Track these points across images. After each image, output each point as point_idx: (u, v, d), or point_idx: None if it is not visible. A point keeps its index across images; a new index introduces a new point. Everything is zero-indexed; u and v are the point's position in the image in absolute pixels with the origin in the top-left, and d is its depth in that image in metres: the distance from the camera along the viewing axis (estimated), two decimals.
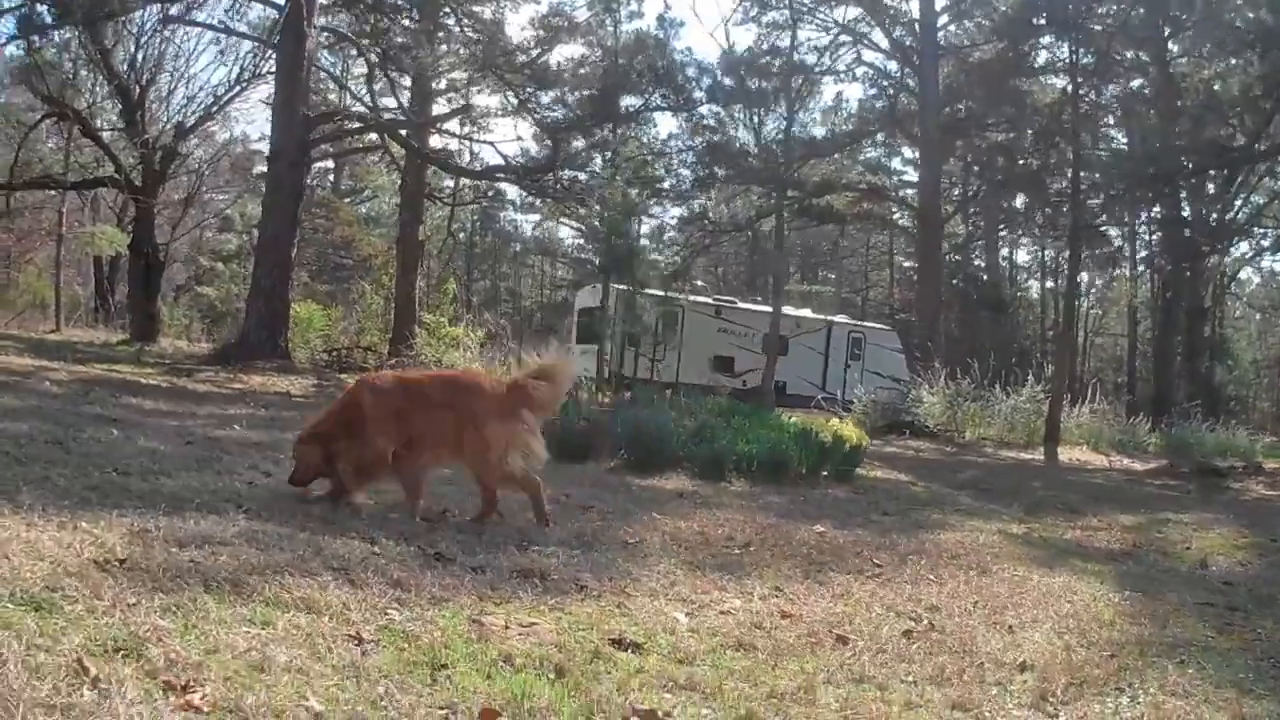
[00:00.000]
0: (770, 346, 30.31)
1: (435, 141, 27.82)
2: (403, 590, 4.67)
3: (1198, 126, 25.22)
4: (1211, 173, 28.70)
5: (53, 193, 29.79)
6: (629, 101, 28.61)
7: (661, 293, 33.75)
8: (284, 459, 7.71)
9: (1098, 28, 26.47)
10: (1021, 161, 31.30)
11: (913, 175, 37.16)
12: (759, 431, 12.96)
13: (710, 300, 34.50)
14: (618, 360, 30.57)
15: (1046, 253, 52.08)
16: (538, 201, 27.27)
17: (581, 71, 28.09)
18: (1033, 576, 7.45)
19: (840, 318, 37.66)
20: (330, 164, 41.20)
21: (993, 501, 12.74)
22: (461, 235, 45.82)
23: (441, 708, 3.40)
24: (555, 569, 5.59)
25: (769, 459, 11.94)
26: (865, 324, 37.10)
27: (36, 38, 24.47)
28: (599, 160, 27.23)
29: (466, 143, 28.76)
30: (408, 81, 28.29)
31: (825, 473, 12.49)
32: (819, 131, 34.10)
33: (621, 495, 9.31)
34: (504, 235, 53.07)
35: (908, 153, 38.56)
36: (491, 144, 65.18)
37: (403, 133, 26.29)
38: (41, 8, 23.43)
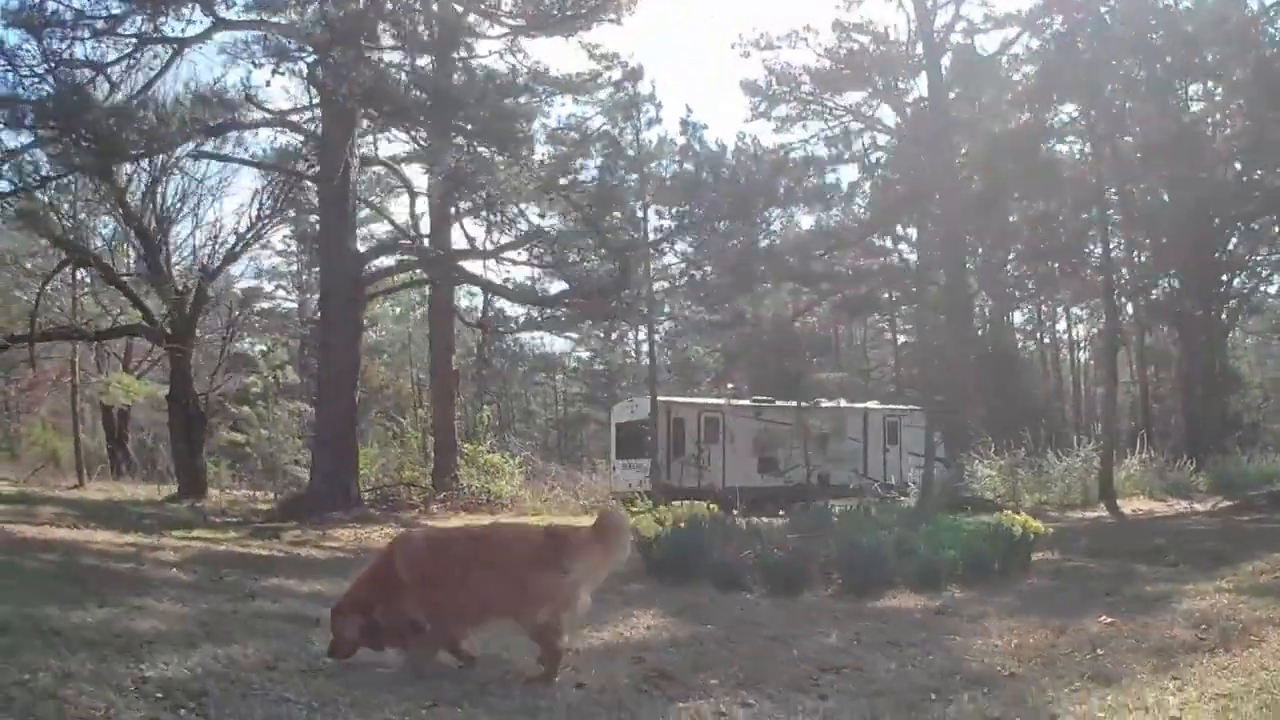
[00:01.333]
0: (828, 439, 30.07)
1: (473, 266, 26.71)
2: None
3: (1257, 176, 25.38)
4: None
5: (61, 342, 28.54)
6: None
7: (702, 400, 33.33)
8: None
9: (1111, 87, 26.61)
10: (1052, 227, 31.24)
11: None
12: (939, 534, 12.31)
13: (749, 402, 33.88)
14: (665, 471, 29.94)
15: (1042, 308, 52.09)
16: (539, 317, 26.37)
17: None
18: None
19: (873, 404, 37.34)
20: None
21: (1151, 563, 12.59)
22: (469, 360, 44.88)
23: None
24: None
25: (972, 560, 11.44)
26: (898, 407, 36.70)
27: (38, 191, 22.62)
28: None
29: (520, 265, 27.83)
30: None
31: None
32: (838, 221, 33.71)
33: (909, 625, 8.95)
34: (510, 355, 52.14)
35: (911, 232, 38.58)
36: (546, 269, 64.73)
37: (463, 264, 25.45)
38: (38, 154, 20.64)
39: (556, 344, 53.58)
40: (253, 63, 18.64)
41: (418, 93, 19.66)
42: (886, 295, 35.40)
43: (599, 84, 28.21)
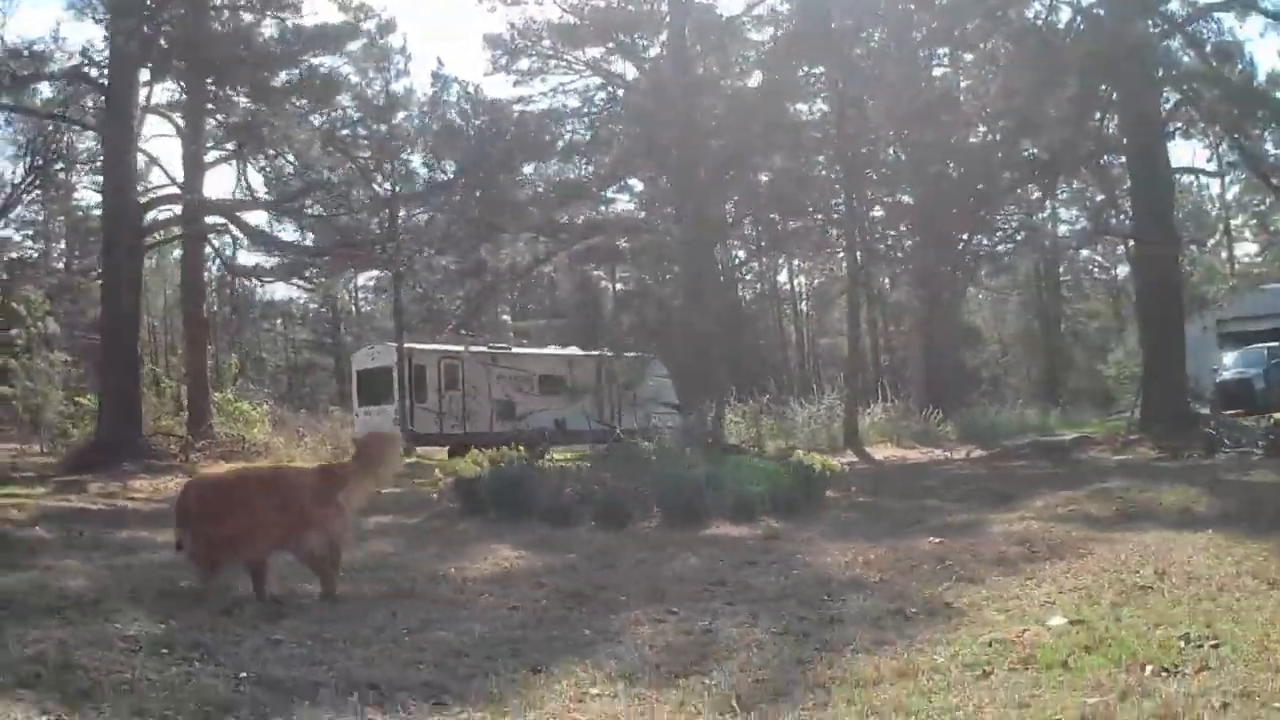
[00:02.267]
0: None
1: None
2: None
3: (1011, 142, 27.57)
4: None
5: None
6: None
7: (443, 347, 33.53)
8: None
9: (859, 51, 28.52)
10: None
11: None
12: (747, 472, 13.37)
13: (486, 349, 34.35)
14: (409, 418, 30.12)
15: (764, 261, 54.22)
16: (295, 266, 26.16)
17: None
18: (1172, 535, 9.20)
19: (600, 351, 38.27)
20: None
21: (953, 500, 13.66)
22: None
23: None
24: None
25: (778, 495, 12.47)
26: (632, 355, 37.85)
27: None
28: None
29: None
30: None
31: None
32: (578, 173, 34.40)
33: (751, 550, 9.85)
34: (239, 302, 50.45)
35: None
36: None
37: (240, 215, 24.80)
38: None
39: (283, 291, 52.14)
40: None
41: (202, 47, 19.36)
42: (624, 245, 36.26)
43: (353, 35, 27.77)
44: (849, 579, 8.01)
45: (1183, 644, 5.22)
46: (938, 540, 9.62)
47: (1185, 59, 26.40)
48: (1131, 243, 31.19)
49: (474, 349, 33.96)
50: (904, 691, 4.70)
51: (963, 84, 31.95)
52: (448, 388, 32.28)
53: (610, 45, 33.40)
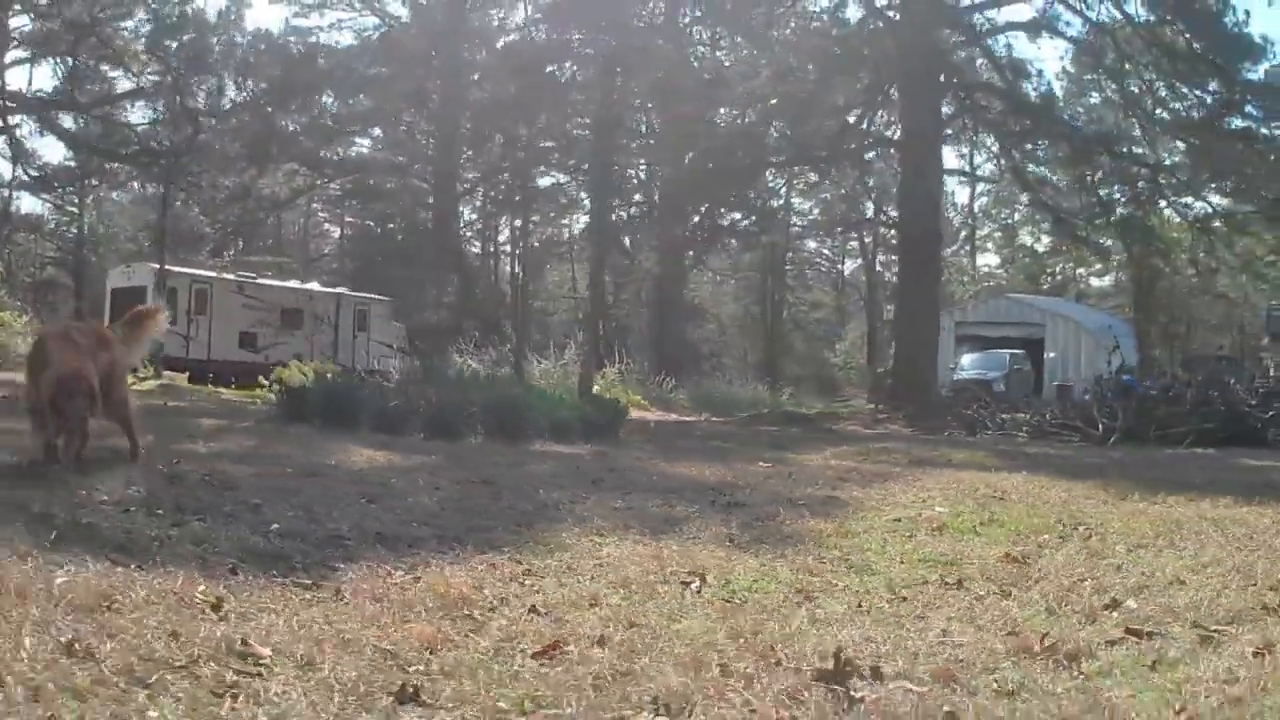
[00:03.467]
0: None
1: None
2: None
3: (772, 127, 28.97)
4: None
5: None
6: None
7: (195, 271, 32.41)
8: None
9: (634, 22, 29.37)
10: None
11: None
12: (553, 402, 14.20)
13: (234, 276, 33.43)
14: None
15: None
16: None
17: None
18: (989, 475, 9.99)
19: (342, 290, 38.03)
20: None
21: (740, 446, 14.40)
22: None
23: None
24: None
25: (589, 423, 13.45)
26: (369, 296, 37.70)
27: None
28: None
29: None
30: None
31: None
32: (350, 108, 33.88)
33: (592, 463, 10.25)
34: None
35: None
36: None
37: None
38: None
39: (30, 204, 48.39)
40: None
41: None
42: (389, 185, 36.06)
43: None
44: (717, 483, 8.62)
45: (1061, 527, 6.38)
46: (769, 465, 10.41)
47: (975, 70, 28.56)
48: (870, 238, 33.53)
49: (224, 276, 33.04)
50: (860, 542, 5.67)
51: (727, 64, 33.30)
52: (197, 312, 31.29)
53: None
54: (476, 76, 31.66)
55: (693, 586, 4.64)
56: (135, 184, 38.17)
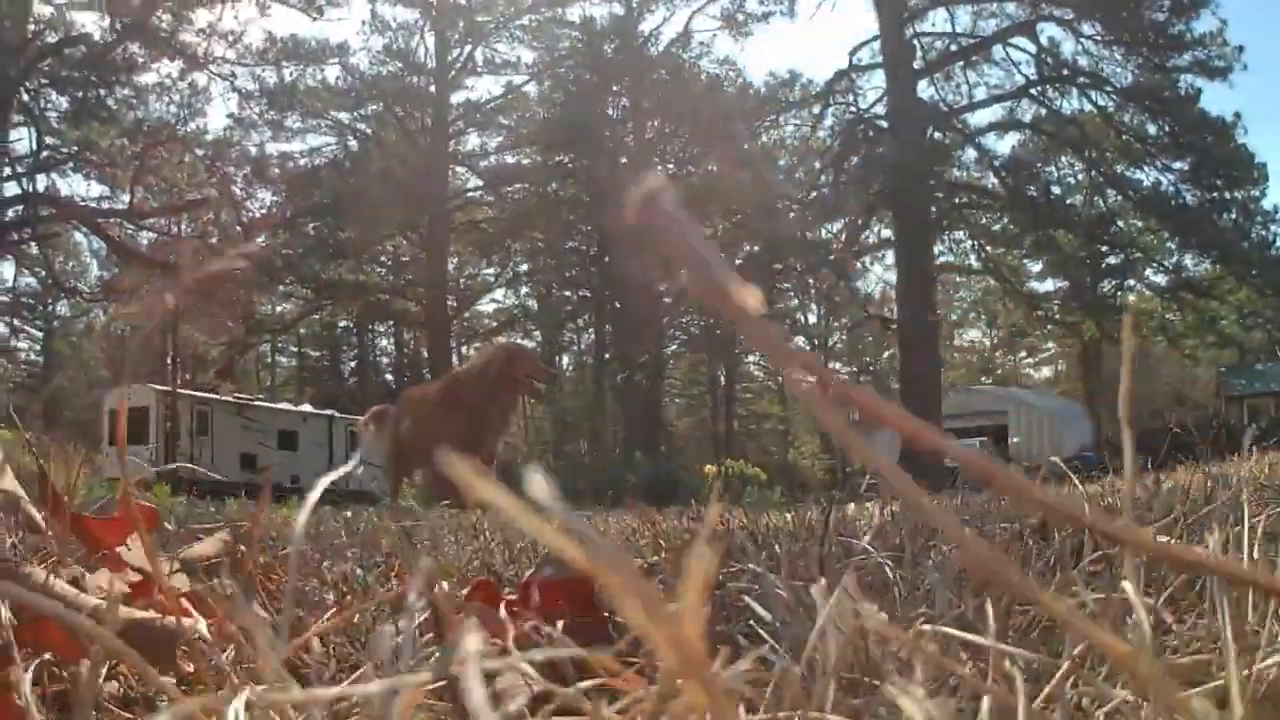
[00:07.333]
0: None
1: None
2: None
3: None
4: None
5: None
6: None
7: (195, 394, 33.67)
8: None
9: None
10: None
11: None
12: None
13: (233, 399, 34.67)
14: (162, 460, 30.03)
15: None
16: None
17: None
18: None
19: (333, 412, 39.10)
20: None
21: None
22: None
23: None
24: None
25: None
26: (358, 417, 38.78)
27: None
28: None
29: None
30: None
31: None
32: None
33: None
34: None
35: None
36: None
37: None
38: None
39: None
40: None
41: None
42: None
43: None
44: None
45: None
46: None
47: (970, 171, 30.24)
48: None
49: (223, 398, 34.19)
50: None
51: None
52: (199, 434, 32.35)
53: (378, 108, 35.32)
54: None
55: None
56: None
